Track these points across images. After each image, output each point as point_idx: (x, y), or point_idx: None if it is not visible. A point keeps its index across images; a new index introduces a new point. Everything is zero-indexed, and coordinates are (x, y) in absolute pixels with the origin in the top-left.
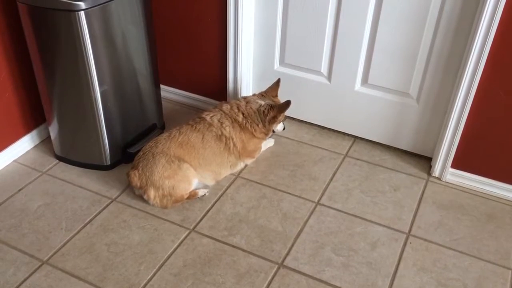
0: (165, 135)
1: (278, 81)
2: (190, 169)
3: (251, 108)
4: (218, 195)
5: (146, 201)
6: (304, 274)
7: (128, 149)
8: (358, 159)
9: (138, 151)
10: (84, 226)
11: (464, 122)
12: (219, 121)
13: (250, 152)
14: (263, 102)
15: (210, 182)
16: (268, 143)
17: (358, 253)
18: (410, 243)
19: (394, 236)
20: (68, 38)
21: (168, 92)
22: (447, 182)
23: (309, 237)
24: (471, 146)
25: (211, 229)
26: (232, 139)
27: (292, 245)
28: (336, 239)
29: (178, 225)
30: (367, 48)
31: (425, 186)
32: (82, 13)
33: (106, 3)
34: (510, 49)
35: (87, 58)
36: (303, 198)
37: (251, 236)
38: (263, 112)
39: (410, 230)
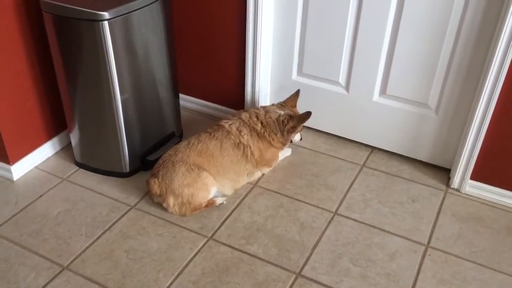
0: (184, 143)
1: (298, 92)
2: (209, 177)
3: (270, 117)
4: (235, 204)
5: (164, 209)
6: (322, 284)
7: (147, 157)
8: (375, 170)
9: (157, 159)
10: (103, 233)
11: (484, 133)
12: (237, 129)
13: (267, 161)
14: (282, 112)
15: (229, 191)
16: (285, 153)
17: (376, 264)
18: (429, 255)
19: (412, 247)
20: (91, 47)
21: (186, 101)
22: (466, 194)
23: (326, 247)
24: (490, 158)
25: (229, 237)
26: (250, 147)
27: (310, 254)
28: (354, 250)
29: (196, 233)
30: (386, 59)
31: (443, 198)
32: (105, 23)
33: (129, 13)
34: None
35: (109, 67)
36: (321, 208)
37: (268, 245)
38: (282, 122)
39: (429, 242)
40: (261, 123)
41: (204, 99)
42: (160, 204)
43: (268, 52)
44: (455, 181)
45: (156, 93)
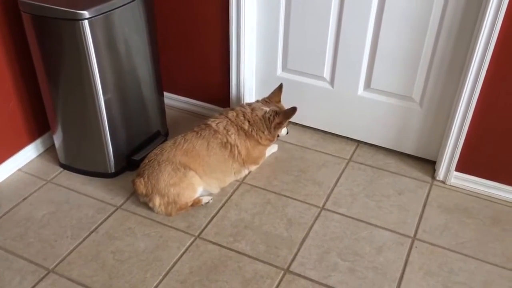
0: (170, 142)
1: (281, 86)
2: (196, 177)
3: (256, 115)
4: (222, 202)
5: (151, 209)
6: (310, 279)
7: (132, 156)
8: (362, 164)
9: (143, 158)
10: (89, 234)
11: (467, 125)
12: (224, 128)
13: (254, 159)
14: (267, 109)
15: (215, 190)
16: (271, 149)
17: (364, 258)
18: (416, 247)
19: (399, 240)
20: (72, 47)
21: (171, 99)
22: (451, 186)
23: (314, 242)
24: (475, 149)
25: (216, 235)
26: (237, 146)
27: (298, 250)
28: (342, 244)
29: (183, 232)
30: (370, 53)
31: (429, 190)
32: (86, 22)
33: (109, 12)
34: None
35: (91, 67)
36: (308, 203)
37: (256, 242)
38: (269, 118)
39: (415, 234)
40: (248, 121)
41: (189, 97)
42: (146, 204)
43: (252, 48)
44: (440, 173)
45: (140, 92)
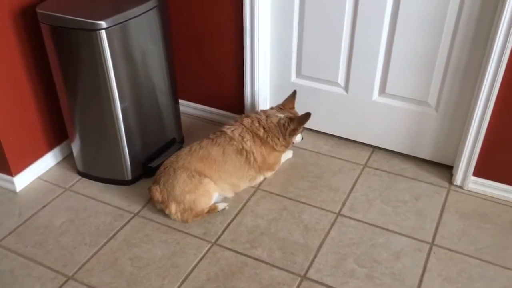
0: (185, 149)
1: (294, 92)
2: (211, 184)
3: (271, 122)
4: (238, 208)
5: (167, 215)
6: (327, 285)
7: (148, 164)
8: (377, 169)
9: (159, 165)
10: (107, 241)
11: (485, 129)
12: (240, 135)
13: (270, 165)
14: (282, 115)
15: (229, 194)
16: (287, 155)
17: (381, 264)
18: (434, 253)
19: (417, 246)
20: (90, 57)
21: (186, 106)
22: (469, 191)
23: (331, 248)
24: (492, 154)
25: (233, 242)
26: (253, 153)
27: (315, 256)
28: (359, 250)
29: (200, 238)
30: (384, 58)
31: (447, 195)
32: (103, 32)
33: (126, 22)
34: None
35: (108, 76)
36: (324, 209)
37: (272, 248)
38: (283, 125)
39: (433, 240)
40: (263, 128)
41: (204, 104)
42: (163, 211)
43: (266, 55)
44: (458, 178)
45: (156, 100)
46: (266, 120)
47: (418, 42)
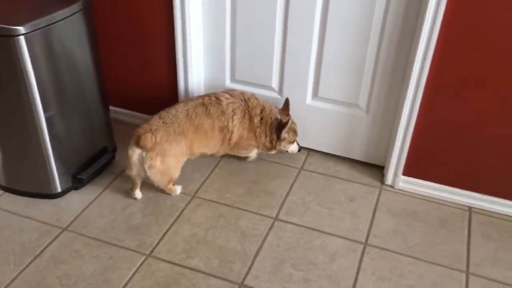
0: (183, 109)
1: (287, 101)
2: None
3: (271, 117)
4: (174, 217)
5: (99, 228)
6: None
7: (78, 175)
8: (313, 172)
9: (90, 176)
10: (33, 260)
11: (412, 130)
12: (233, 110)
13: (239, 150)
14: (280, 118)
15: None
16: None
17: (318, 267)
18: (368, 252)
19: (352, 247)
20: (8, 65)
21: (118, 113)
22: (399, 190)
23: (268, 254)
24: (420, 153)
25: (169, 252)
26: (232, 132)
27: (252, 263)
28: (295, 254)
29: (134, 251)
30: (316, 62)
31: (379, 195)
32: (21, 38)
33: (48, 27)
34: (451, 57)
35: (29, 85)
36: (261, 214)
37: (210, 257)
38: (277, 126)
39: (367, 240)
40: (261, 118)
41: (137, 111)
42: (91, 221)
43: (200, 61)
44: (389, 177)
45: (84, 108)
46: (269, 113)
47: (347, 46)
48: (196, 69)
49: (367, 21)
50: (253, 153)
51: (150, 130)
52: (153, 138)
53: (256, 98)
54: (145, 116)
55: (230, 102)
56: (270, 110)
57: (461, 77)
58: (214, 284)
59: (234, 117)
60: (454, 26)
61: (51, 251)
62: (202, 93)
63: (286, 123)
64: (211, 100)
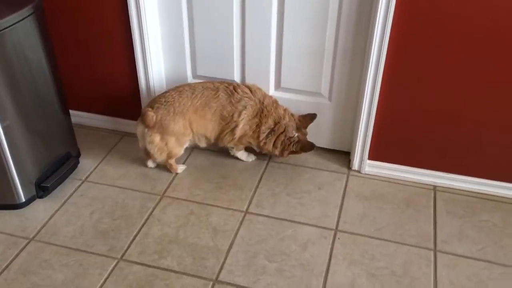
0: (188, 88)
1: (314, 116)
2: (188, 139)
3: (285, 135)
4: (144, 218)
5: (67, 236)
6: (239, 286)
7: (42, 183)
8: (281, 163)
9: (55, 183)
10: (1, 273)
11: (374, 114)
12: (244, 105)
13: (238, 143)
14: (295, 134)
15: (203, 145)
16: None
17: (291, 257)
18: (339, 238)
19: (323, 234)
20: None
21: (80, 117)
22: (366, 174)
23: (241, 248)
24: (384, 137)
25: (140, 254)
26: (237, 125)
27: (225, 258)
28: (268, 246)
29: (104, 256)
30: (276, 52)
31: (347, 181)
32: None
33: None
34: (407, 39)
35: None
36: (231, 209)
37: (182, 256)
38: (289, 144)
39: (337, 226)
40: (272, 130)
41: (100, 113)
42: (60, 229)
43: (160, 58)
44: (355, 163)
45: (43, 114)
46: (284, 130)
47: (306, 34)
48: (156, 64)
49: (323, 8)
50: (250, 157)
51: (153, 108)
52: (154, 116)
53: (275, 107)
54: (110, 118)
55: (246, 97)
56: (286, 127)
57: (418, 60)
58: (188, 283)
59: (244, 112)
60: (409, 9)
61: (18, 263)
62: (165, 89)
63: (313, 147)
64: (227, 88)
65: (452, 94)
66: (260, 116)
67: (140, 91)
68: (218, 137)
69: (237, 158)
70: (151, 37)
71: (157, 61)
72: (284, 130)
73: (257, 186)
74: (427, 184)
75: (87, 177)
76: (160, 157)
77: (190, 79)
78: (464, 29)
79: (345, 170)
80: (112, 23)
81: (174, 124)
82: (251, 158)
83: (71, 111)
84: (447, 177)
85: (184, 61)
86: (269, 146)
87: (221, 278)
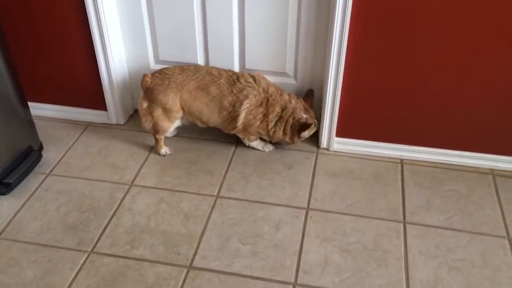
0: (193, 68)
1: (312, 93)
2: (177, 118)
3: (293, 117)
4: (113, 209)
5: (35, 232)
6: (214, 271)
7: (4, 179)
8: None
9: (18, 179)
10: None
11: (340, 92)
12: (246, 95)
13: (248, 134)
14: (304, 116)
15: (201, 124)
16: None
17: (264, 238)
18: (311, 217)
19: (295, 213)
20: None
21: (41, 109)
22: (335, 151)
23: (214, 232)
24: (350, 114)
25: (112, 246)
26: (238, 115)
27: (198, 244)
28: (241, 229)
29: (74, 250)
30: (239, 34)
31: (316, 159)
32: None
33: None
34: (368, 17)
35: None
36: (202, 194)
37: (154, 244)
38: (300, 127)
39: (308, 205)
40: (281, 117)
41: (61, 104)
42: (28, 224)
43: (120, 45)
44: (324, 141)
45: (0, 109)
46: (292, 113)
47: (268, 14)
48: (117, 52)
49: None
50: (267, 146)
51: (152, 75)
52: (149, 82)
53: (280, 94)
54: (71, 108)
55: (249, 86)
56: (293, 110)
57: (381, 36)
58: (162, 271)
59: (245, 101)
60: None
61: None
62: (127, 76)
63: (309, 124)
64: (231, 77)
65: (415, 69)
66: (266, 105)
67: (102, 79)
68: (221, 126)
69: (207, 143)
70: (110, 24)
71: (117, 48)
72: (292, 113)
73: (227, 170)
74: (394, 158)
75: (51, 171)
76: (147, 125)
77: (153, 65)
78: (427, 2)
79: (314, 148)
80: (67, 11)
81: (163, 96)
82: (268, 148)
83: (31, 104)
84: (413, 150)
85: (145, 46)
86: (279, 134)
87: (195, 264)
